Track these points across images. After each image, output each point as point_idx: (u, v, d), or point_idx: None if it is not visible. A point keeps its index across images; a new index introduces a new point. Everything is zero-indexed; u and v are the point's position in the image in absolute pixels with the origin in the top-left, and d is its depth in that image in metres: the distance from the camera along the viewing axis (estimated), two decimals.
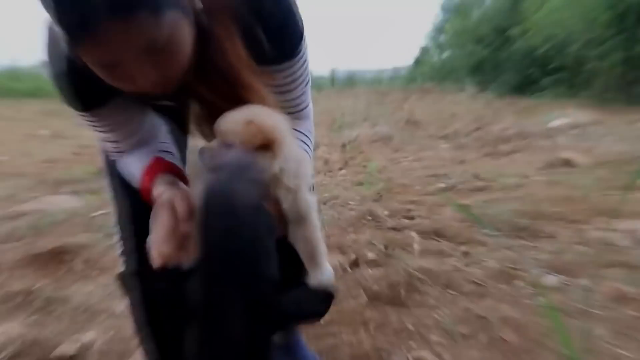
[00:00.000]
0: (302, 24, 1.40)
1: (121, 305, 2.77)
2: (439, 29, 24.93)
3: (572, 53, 12.26)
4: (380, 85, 19.30)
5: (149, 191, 1.41)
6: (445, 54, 23.15)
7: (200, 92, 1.36)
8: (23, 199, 4.87)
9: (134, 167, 1.51)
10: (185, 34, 1.20)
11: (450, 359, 2.27)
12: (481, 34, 18.25)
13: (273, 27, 1.34)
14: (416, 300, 2.70)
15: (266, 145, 1.29)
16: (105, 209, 4.40)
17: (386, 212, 4.01)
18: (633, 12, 10.02)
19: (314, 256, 1.39)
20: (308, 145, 1.54)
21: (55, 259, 3.34)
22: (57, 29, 1.10)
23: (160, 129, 1.60)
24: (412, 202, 4.19)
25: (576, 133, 6.80)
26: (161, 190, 1.36)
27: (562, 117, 7.86)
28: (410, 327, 2.47)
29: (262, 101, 1.36)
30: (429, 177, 5.01)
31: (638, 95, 10.18)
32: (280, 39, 1.37)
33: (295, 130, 1.52)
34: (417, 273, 2.88)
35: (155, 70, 1.19)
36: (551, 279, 2.84)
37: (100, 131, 1.48)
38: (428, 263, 3.05)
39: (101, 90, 1.30)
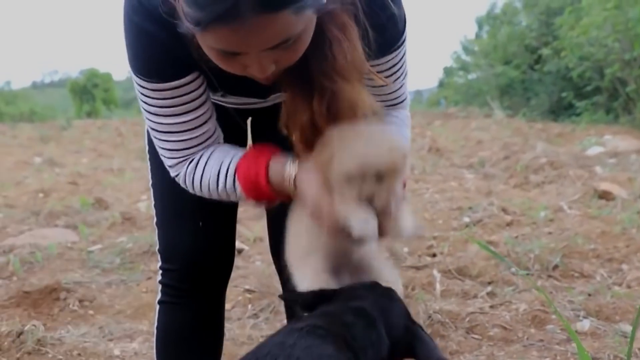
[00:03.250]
0: (404, 9, 1.45)
1: (118, 348, 2.80)
2: (465, 49, 25.07)
3: (610, 74, 12.20)
4: None
5: (263, 175, 1.41)
6: (472, 76, 23.23)
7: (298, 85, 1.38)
8: (14, 232, 4.93)
9: (224, 157, 1.46)
10: (311, 32, 1.25)
11: None
12: (510, 54, 18.30)
13: (383, 19, 1.39)
14: (438, 346, 2.70)
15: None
16: (102, 243, 4.44)
17: (406, 249, 4.02)
18: None
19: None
20: (405, 134, 1.62)
21: (48, 297, 3.37)
22: (187, 7, 1.12)
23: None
24: (434, 237, 4.19)
25: (615, 162, 6.79)
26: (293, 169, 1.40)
27: (599, 144, 7.86)
28: None
29: (361, 103, 1.39)
30: (453, 211, 5.02)
31: None
32: (390, 28, 1.42)
33: (395, 118, 1.61)
34: (438, 315, 2.89)
35: (274, 64, 1.24)
36: (586, 324, 2.83)
37: (175, 112, 1.43)
38: (450, 304, 3.05)
39: (184, 60, 1.34)
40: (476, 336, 2.77)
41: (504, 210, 4.87)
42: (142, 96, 1.42)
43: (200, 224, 1.66)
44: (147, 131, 1.57)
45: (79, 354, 2.74)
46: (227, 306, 3.00)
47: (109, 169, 8.33)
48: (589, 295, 3.14)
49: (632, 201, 4.92)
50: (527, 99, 16.82)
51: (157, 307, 1.77)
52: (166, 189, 1.65)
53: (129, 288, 3.57)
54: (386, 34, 1.41)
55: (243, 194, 1.43)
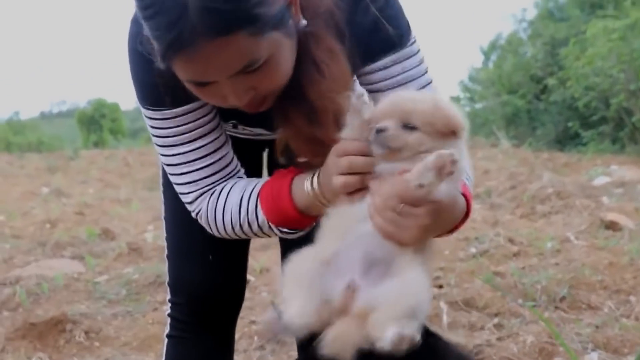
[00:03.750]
0: (403, 15, 1.44)
1: None
2: (472, 78, 25.19)
3: (616, 104, 12.24)
4: None
5: (287, 189, 1.38)
6: (478, 105, 23.30)
7: (292, 113, 1.37)
8: (20, 263, 4.94)
9: (246, 185, 1.44)
10: (286, 54, 1.25)
11: None
12: (516, 84, 18.36)
13: (370, 19, 1.37)
14: None
15: (446, 134, 1.28)
16: (108, 274, 4.45)
17: None
18: None
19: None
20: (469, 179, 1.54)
21: (54, 329, 3.37)
22: (152, 42, 1.16)
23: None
24: (441, 268, 4.18)
25: (621, 192, 6.77)
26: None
27: (605, 174, 7.86)
28: None
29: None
30: (460, 241, 5.01)
31: None
32: (383, 29, 1.39)
33: None
34: None
35: (249, 90, 1.23)
36: (594, 357, 2.82)
37: (188, 138, 1.41)
38: (457, 336, 3.04)
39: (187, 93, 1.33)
40: None
41: (511, 240, 4.86)
42: (153, 129, 1.42)
43: (210, 257, 1.65)
44: (162, 166, 1.57)
45: None
46: None
47: (116, 199, 8.37)
48: (597, 327, 3.12)
49: (639, 232, 4.90)
50: (533, 129, 16.85)
51: (166, 340, 1.77)
52: (179, 222, 1.66)
53: (135, 319, 3.57)
54: (376, 37, 1.39)
55: (265, 216, 1.39)
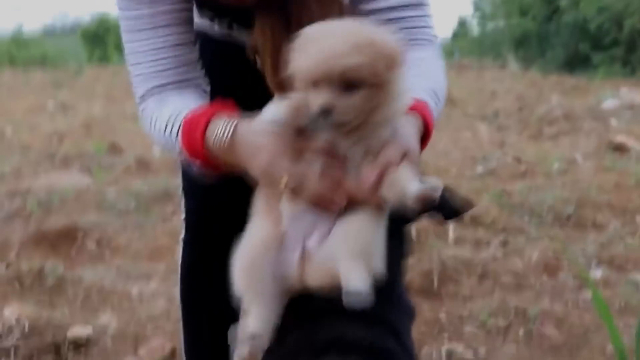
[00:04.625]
0: None
1: (136, 288, 2.85)
2: None
3: (630, 26, 12.05)
4: None
5: (202, 126, 1.20)
6: (487, 27, 22.92)
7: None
8: (30, 174, 4.97)
9: (184, 104, 1.30)
10: None
11: (484, 354, 2.31)
12: (527, 4, 18.02)
13: None
14: (450, 291, 2.74)
15: (391, 69, 1.04)
16: (117, 186, 4.47)
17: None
18: None
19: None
20: (438, 98, 1.31)
21: (66, 238, 3.42)
22: None
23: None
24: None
25: (631, 115, 6.74)
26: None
27: (615, 97, 7.79)
28: (443, 318, 2.50)
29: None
30: (467, 160, 5.02)
31: None
32: None
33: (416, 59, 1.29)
34: (451, 262, 2.91)
35: None
36: (598, 273, 2.86)
37: (149, 26, 1.32)
38: (464, 252, 3.08)
39: None
40: (488, 283, 2.80)
41: (518, 160, 4.87)
42: (120, 12, 1.35)
43: None
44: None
45: (98, 292, 2.80)
46: None
47: (123, 114, 8.32)
48: (602, 245, 3.16)
49: None
50: (543, 51, 16.60)
51: (181, 244, 1.75)
52: None
53: (145, 230, 3.61)
54: None
55: (183, 149, 1.25)
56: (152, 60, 1.33)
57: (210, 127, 1.17)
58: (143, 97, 1.35)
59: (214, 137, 1.15)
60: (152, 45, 1.33)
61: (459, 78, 12.74)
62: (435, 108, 1.27)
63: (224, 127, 1.15)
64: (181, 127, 1.23)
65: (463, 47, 25.35)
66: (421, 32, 1.38)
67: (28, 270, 2.91)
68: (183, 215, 1.74)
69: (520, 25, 17.80)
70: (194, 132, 1.19)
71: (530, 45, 17.55)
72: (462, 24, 28.03)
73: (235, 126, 1.14)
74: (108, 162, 5.28)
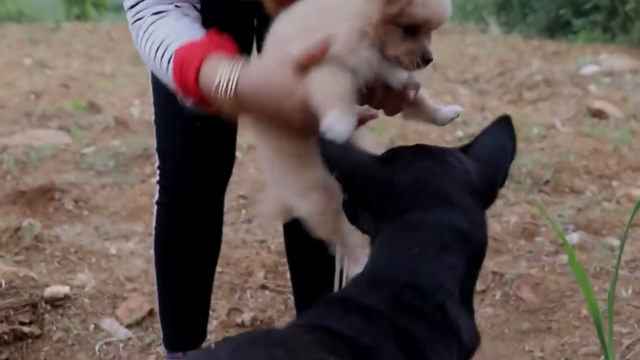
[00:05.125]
0: None
1: (114, 247, 2.83)
2: None
3: None
4: None
5: (196, 64, 1.14)
6: None
7: None
8: (6, 132, 4.88)
9: (179, 30, 1.24)
10: None
11: None
12: None
13: None
14: None
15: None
16: (95, 146, 4.42)
17: None
18: None
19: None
20: None
21: (44, 196, 3.38)
22: None
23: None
24: None
25: (610, 82, 6.74)
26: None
27: (594, 63, 7.79)
28: None
29: None
30: (447, 125, 5.01)
31: None
32: None
33: None
34: None
35: None
36: (574, 237, 2.88)
37: None
38: None
39: None
40: None
41: None
42: None
43: (198, 124, 1.54)
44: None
45: (76, 252, 2.79)
46: None
47: (101, 73, 8.17)
48: (579, 209, 3.19)
49: (624, 120, 4.92)
50: (525, 15, 16.52)
51: (155, 207, 1.73)
52: (167, 89, 1.58)
53: (124, 190, 3.58)
54: None
55: (175, 86, 1.21)
56: None
57: (207, 69, 1.12)
58: (136, 11, 1.29)
59: (215, 85, 1.10)
60: None
61: (441, 43, 12.66)
62: None
63: (226, 74, 1.10)
64: (173, 56, 1.18)
65: None
66: None
67: (5, 228, 2.88)
68: (157, 178, 1.70)
69: None
70: (185, 73, 1.15)
71: (512, 10, 17.45)
72: None
73: (240, 74, 1.10)
74: (86, 122, 5.19)
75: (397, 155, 1.08)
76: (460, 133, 4.73)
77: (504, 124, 1.17)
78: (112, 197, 3.49)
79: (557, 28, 14.45)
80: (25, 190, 3.42)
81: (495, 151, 1.12)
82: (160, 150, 1.66)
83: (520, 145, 3.92)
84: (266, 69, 1.14)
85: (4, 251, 2.77)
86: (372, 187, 1.01)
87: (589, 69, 7.45)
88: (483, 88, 6.96)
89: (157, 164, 1.68)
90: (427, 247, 0.96)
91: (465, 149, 1.12)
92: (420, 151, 1.10)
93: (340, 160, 1.01)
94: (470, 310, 0.99)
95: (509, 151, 1.13)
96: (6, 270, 2.34)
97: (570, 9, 13.85)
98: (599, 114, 5.13)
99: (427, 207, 0.99)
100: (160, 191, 1.71)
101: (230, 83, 1.09)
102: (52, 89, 6.80)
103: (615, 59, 8.01)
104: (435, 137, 4.69)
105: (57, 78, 7.49)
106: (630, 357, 2.05)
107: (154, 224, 1.77)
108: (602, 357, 1.32)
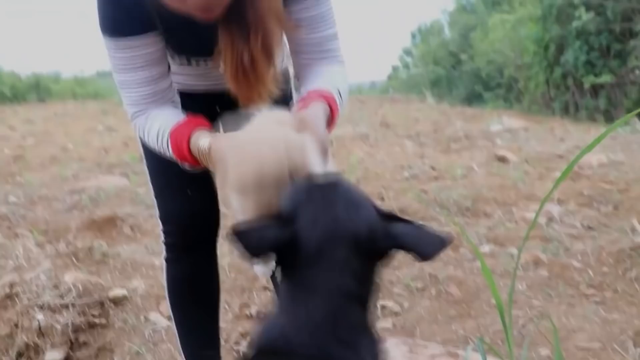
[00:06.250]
0: None
1: (158, 260, 2.79)
2: (407, 52, 24.78)
3: (507, 74, 12.39)
4: (360, 94, 19.25)
5: (186, 146, 1.12)
6: (412, 72, 23.02)
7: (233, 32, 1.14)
8: (84, 177, 4.87)
9: (167, 119, 1.20)
10: None
11: (408, 307, 2.31)
12: (439, 57, 18.18)
13: None
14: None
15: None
16: (146, 187, 4.37)
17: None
18: (553, 44, 10.11)
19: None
20: (341, 97, 1.21)
21: (109, 224, 3.35)
22: None
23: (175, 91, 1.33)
24: (384, 187, 4.21)
25: (510, 136, 6.81)
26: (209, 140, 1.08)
27: (499, 123, 7.87)
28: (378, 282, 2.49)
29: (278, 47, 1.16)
30: (397, 168, 5.02)
31: (556, 109, 10.31)
32: None
33: (325, 71, 1.25)
34: None
35: None
36: (486, 248, 2.88)
37: (132, 67, 1.21)
38: None
39: (142, 20, 1.16)
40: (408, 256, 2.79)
41: (433, 168, 4.89)
42: (109, 56, 1.23)
43: (189, 192, 1.45)
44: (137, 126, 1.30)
45: (131, 264, 2.75)
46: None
47: None
48: (489, 228, 3.18)
49: (520, 164, 4.96)
50: (451, 90, 16.77)
51: (164, 264, 1.57)
52: (158, 167, 1.47)
53: None
54: None
55: (175, 158, 1.18)
56: (136, 89, 1.23)
57: (193, 140, 1.11)
58: (133, 115, 1.26)
59: (197, 149, 1.09)
60: (135, 79, 1.22)
61: (392, 109, 12.79)
62: (340, 103, 1.19)
63: (202, 142, 1.08)
64: (169, 138, 1.15)
65: (395, 86, 25.35)
66: (333, 51, 1.28)
67: (82, 247, 2.85)
68: (162, 239, 1.54)
69: (434, 72, 17.94)
70: (180, 143, 1.13)
71: (442, 86, 17.70)
72: (395, 70, 28.05)
73: (210, 141, 1.06)
74: (140, 169, 5.13)
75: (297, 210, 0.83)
76: (406, 174, 4.73)
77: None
78: (157, 224, 3.44)
79: (473, 99, 14.64)
80: (96, 219, 3.38)
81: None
82: (161, 216, 1.52)
83: (448, 182, 3.93)
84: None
85: (81, 264, 2.73)
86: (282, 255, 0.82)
87: (495, 127, 7.53)
88: (422, 141, 6.99)
89: (160, 227, 1.54)
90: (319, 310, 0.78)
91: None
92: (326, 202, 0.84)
93: (255, 248, 0.80)
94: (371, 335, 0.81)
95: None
96: (82, 278, 2.30)
97: (482, 85, 14.11)
98: (502, 159, 5.17)
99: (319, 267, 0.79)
100: (166, 249, 1.55)
101: (209, 145, 1.06)
102: (116, 146, 6.78)
103: (512, 120, 8.12)
104: (388, 177, 4.68)
105: (120, 138, 7.46)
106: (524, 332, 2.04)
107: (165, 277, 1.58)
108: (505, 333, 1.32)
